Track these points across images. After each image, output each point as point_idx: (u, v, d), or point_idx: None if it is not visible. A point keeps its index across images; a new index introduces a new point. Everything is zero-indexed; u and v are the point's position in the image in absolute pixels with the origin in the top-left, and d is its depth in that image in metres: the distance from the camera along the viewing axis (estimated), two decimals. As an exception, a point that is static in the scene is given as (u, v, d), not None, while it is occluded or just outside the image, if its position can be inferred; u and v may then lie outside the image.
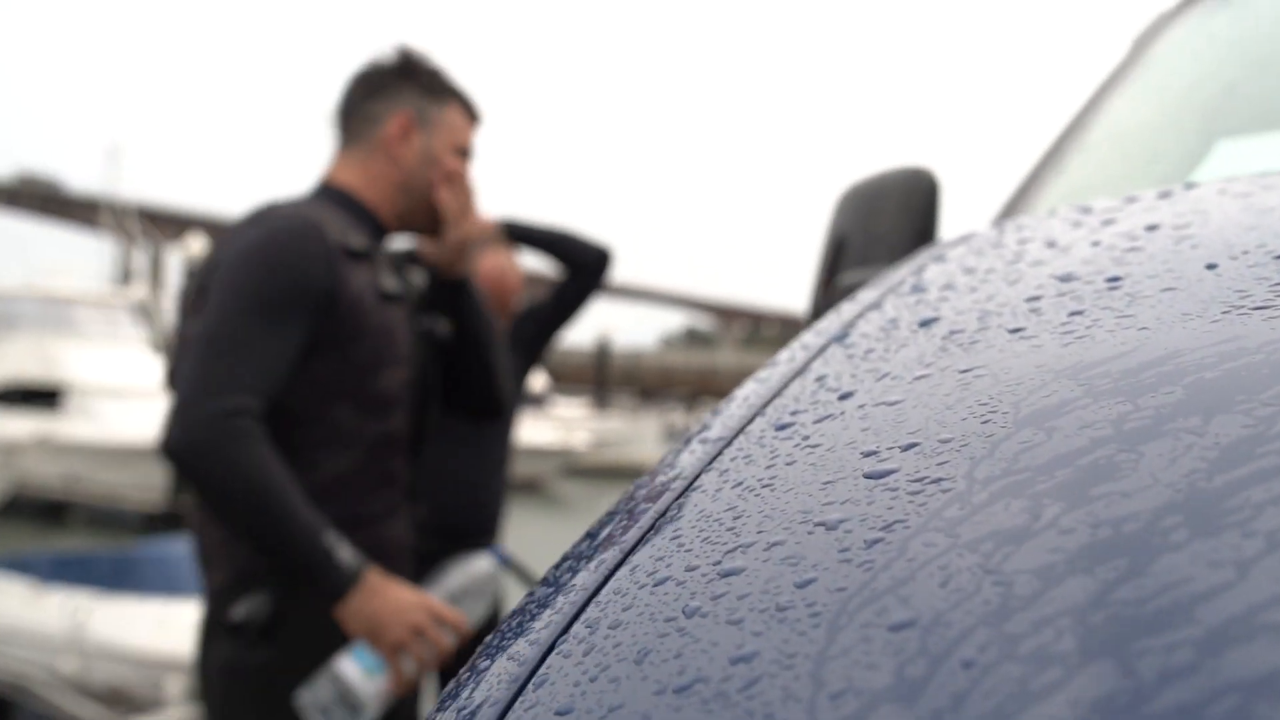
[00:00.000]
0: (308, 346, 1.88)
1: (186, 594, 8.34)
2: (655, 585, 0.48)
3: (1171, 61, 1.45)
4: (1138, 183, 1.25)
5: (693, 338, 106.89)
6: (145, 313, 23.73)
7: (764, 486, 0.53)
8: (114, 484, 18.22)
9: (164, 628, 7.99)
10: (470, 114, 2.17)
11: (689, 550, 0.50)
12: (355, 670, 1.80)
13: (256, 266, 1.87)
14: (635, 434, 38.34)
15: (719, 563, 0.47)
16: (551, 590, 0.54)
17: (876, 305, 0.76)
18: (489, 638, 0.57)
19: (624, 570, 0.51)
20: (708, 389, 72.64)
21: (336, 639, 1.85)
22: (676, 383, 69.36)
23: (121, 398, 20.20)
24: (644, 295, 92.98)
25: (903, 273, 0.84)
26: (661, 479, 0.61)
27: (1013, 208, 1.28)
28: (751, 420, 0.63)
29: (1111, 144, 1.36)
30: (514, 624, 0.53)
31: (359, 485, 1.96)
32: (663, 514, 0.55)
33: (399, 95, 2.09)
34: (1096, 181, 1.27)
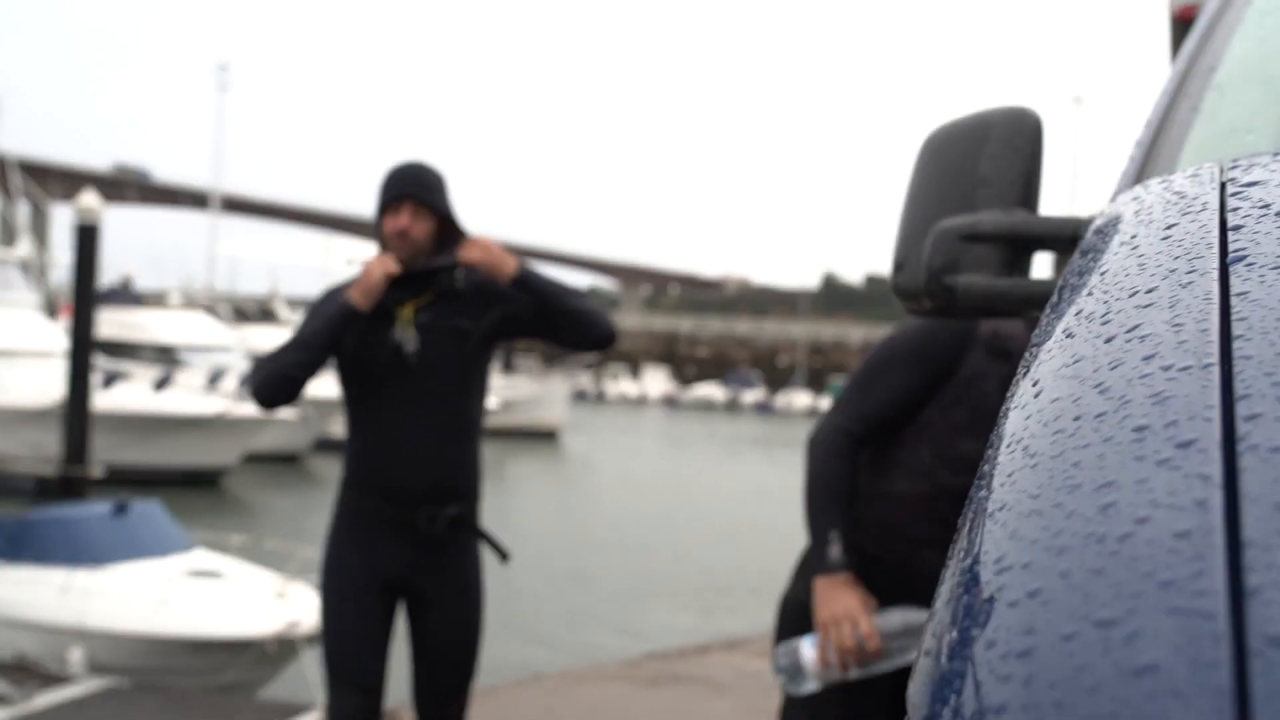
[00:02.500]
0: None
1: (88, 561, 8.04)
2: None
3: None
4: None
5: (595, 300, 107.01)
6: (32, 271, 22.82)
7: None
8: (5, 449, 17.60)
9: (67, 595, 7.71)
10: None
11: None
12: (809, 646, 2.29)
13: None
14: (544, 396, 38.22)
15: None
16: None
17: (1239, 227, 0.77)
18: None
19: None
20: (612, 352, 72.83)
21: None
22: (581, 345, 69.19)
23: (12, 358, 19.43)
24: (546, 257, 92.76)
25: (1206, 199, 0.85)
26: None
27: (1155, 154, 1.25)
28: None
29: (1255, 86, 1.32)
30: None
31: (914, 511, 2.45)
32: None
33: None
34: (1258, 123, 1.25)
